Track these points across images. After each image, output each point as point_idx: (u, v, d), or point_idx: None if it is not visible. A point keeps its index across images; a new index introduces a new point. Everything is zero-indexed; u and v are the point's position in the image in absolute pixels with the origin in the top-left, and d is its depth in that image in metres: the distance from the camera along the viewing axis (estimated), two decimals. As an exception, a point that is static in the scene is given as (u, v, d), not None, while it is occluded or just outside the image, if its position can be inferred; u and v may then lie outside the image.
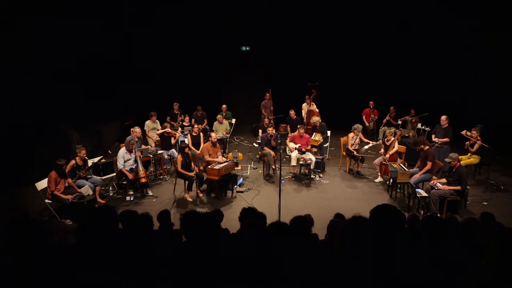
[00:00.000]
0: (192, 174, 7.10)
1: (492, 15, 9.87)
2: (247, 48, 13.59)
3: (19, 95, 7.93)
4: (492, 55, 10.08)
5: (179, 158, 7.09)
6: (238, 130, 12.15)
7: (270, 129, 8.55)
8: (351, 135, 8.55)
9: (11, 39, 7.69)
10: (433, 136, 8.74)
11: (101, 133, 9.98)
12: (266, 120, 9.80)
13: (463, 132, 8.17)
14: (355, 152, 8.47)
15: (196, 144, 8.72)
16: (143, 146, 8.35)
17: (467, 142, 8.01)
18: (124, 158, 7.31)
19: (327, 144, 9.96)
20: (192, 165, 7.27)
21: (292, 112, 10.27)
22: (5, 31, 7.50)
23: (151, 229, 3.79)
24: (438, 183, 6.48)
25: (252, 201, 7.14)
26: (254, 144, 10.96)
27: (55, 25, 8.63)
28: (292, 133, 9.37)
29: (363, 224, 2.25)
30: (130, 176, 7.14)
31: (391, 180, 7.36)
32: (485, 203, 6.94)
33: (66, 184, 6.36)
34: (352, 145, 8.52)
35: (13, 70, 7.80)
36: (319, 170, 8.61)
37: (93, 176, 7.31)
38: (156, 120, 9.48)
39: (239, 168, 8.19)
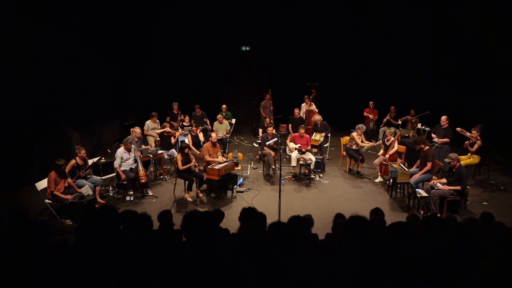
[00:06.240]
0: (192, 164, 7.15)
1: (492, 15, 9.88)
2: (247, 48, 13.59)
3: (18, 95, 7.92)
4: (491, 55, 10.07)
5: (179, 157, 7.10)
6: (238, 130, 12.15)
7: (270, 129, 8.54)
8: (354, 134, 8.55)
9: (10, 38, 7.69)
10: (433, 135, 8.73)
11: (101, 133, 9.97)
12: (268, 119, 9.78)
13: (458, 129, 8.14)
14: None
15: (196, 144, 8.73)
16: (143, 146, 8.35)
17: (466, 142, 8.00)
18: (123, 158, 7.32)
19: (327, 144, 9.96)
20: (191, 157, 7.27)
21: (296, 111, 10.17)
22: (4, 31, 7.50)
23: (151, 229, 3.78)
24: (438, 183, 6.46)
25: (252, 201, 7.14)
26: (254, 144, 10.96)
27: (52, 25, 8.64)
28: (294, 133, 9.34)
29: (361, 224, 2.25)
30: (123, 176, 7.16)
31: (391, 180, 7.35)
32: (485, 203, 6.93)
33: (66, 184, 6.35)
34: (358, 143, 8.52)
35: (13, 70, 7.79)
36: (319, 170, 8.61)
37: (93, 176, 7.32)
38: (157, 121, 9.48)
39: (239, 168, 8.19)
